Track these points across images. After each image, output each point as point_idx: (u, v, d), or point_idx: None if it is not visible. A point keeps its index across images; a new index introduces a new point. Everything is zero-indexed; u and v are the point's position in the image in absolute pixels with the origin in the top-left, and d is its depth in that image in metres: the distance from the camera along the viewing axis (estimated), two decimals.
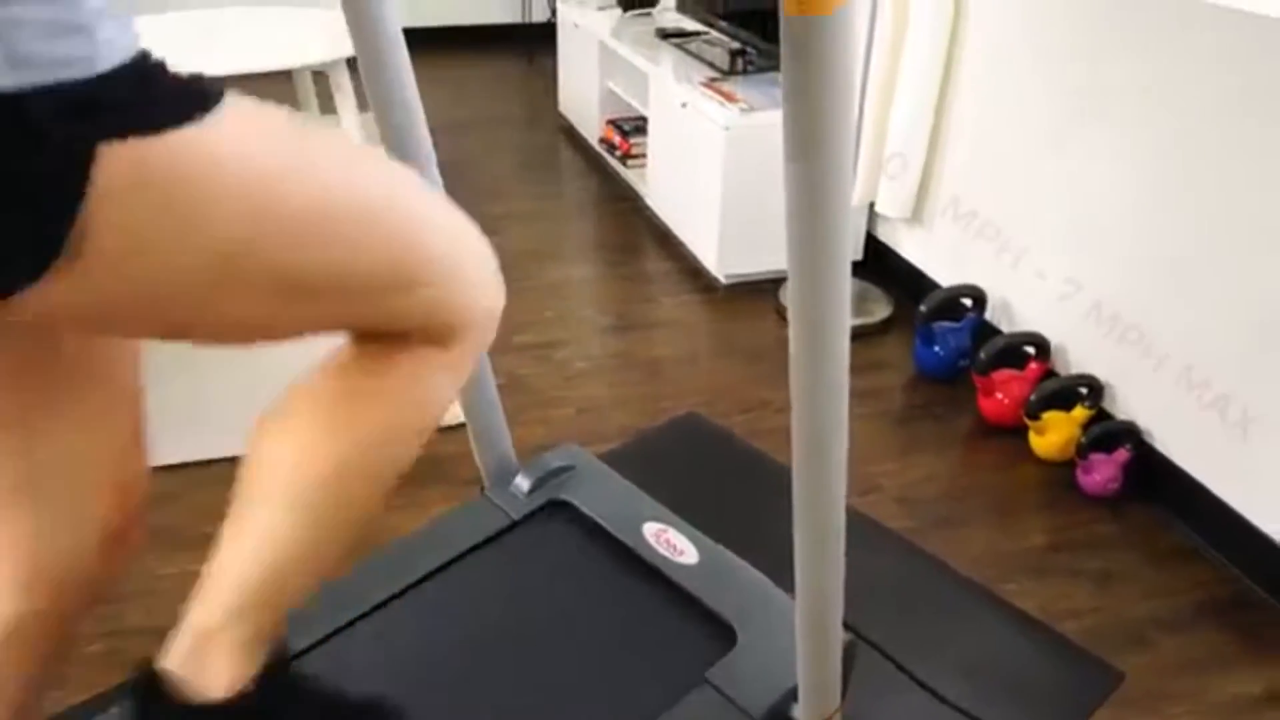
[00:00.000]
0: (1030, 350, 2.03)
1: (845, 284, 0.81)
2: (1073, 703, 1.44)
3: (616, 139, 3.16)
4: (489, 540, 1.40)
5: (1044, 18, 1.95)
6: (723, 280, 2.55)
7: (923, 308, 2.12)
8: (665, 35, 3.04)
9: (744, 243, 2.48)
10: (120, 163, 0.57)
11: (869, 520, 1.74)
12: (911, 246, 2.48)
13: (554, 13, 4.80)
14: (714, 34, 2.91)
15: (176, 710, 0.78)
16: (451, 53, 4.44)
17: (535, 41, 4.81)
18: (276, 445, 0.81)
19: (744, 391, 2.15)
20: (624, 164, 3.12)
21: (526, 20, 4.99)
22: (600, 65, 3.23)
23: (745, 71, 2.63)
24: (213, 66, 2.18)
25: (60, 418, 0.83)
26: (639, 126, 3.08)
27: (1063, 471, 1.90)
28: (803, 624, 1.03)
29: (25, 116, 0.53)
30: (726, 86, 2.51)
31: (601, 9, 3.44)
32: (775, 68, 2.56)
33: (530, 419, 2.02)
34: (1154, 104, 1.73)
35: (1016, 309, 2.14)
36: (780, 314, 2.43)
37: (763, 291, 2.53)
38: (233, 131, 0.63)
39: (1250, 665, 1.51)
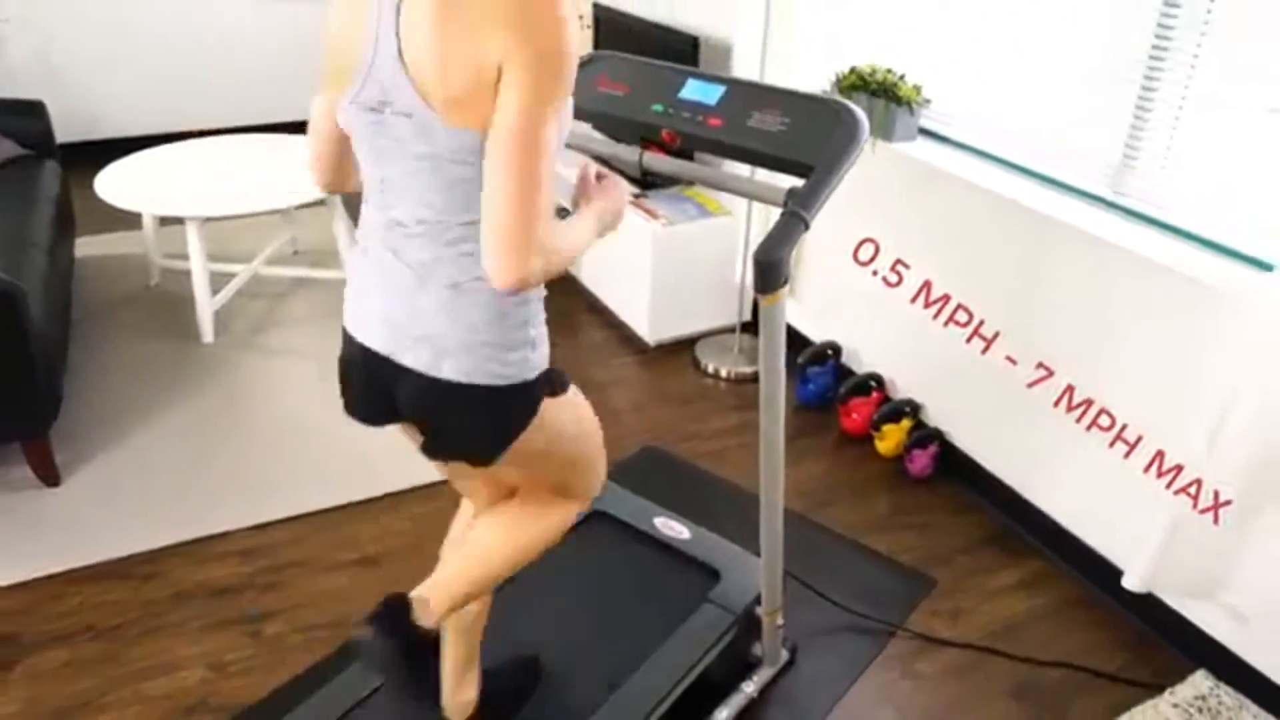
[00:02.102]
0: (873, 384, 3.04)
1: (781, 400, 1.74)
2: (909, 597, 2.43)
3: None
4: None
5: (865, 201, 2.96)
6: (652, 343, 3.49)
7: (800, 359, 3.12)
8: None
9: (667, 314, 3.42)
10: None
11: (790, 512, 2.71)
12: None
13: None
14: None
15: (407, 624, 1.53)
16: None
17: None
18: (488, 528, 1.67)
19: (680, 427, 3.08)
20: None
21: None
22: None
23: (654, 186, 3.56)
24: (248, 204, 3.11)
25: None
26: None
27: (896, 464, 2.91)
28: (765, 563, 1.96)
29: (533, 391, 1.42)
30: (647, 203, 3.45)
31: None
32: (675, 183, 3.50)
33: None
34: (930, 254, 2.76)
35: (862, 356, 3.16)
36: (697, 366, 3.38)
37: (683, 349, 3.48)
38: (559, 402, 1.51)
39: (1010, 569, 2.54)
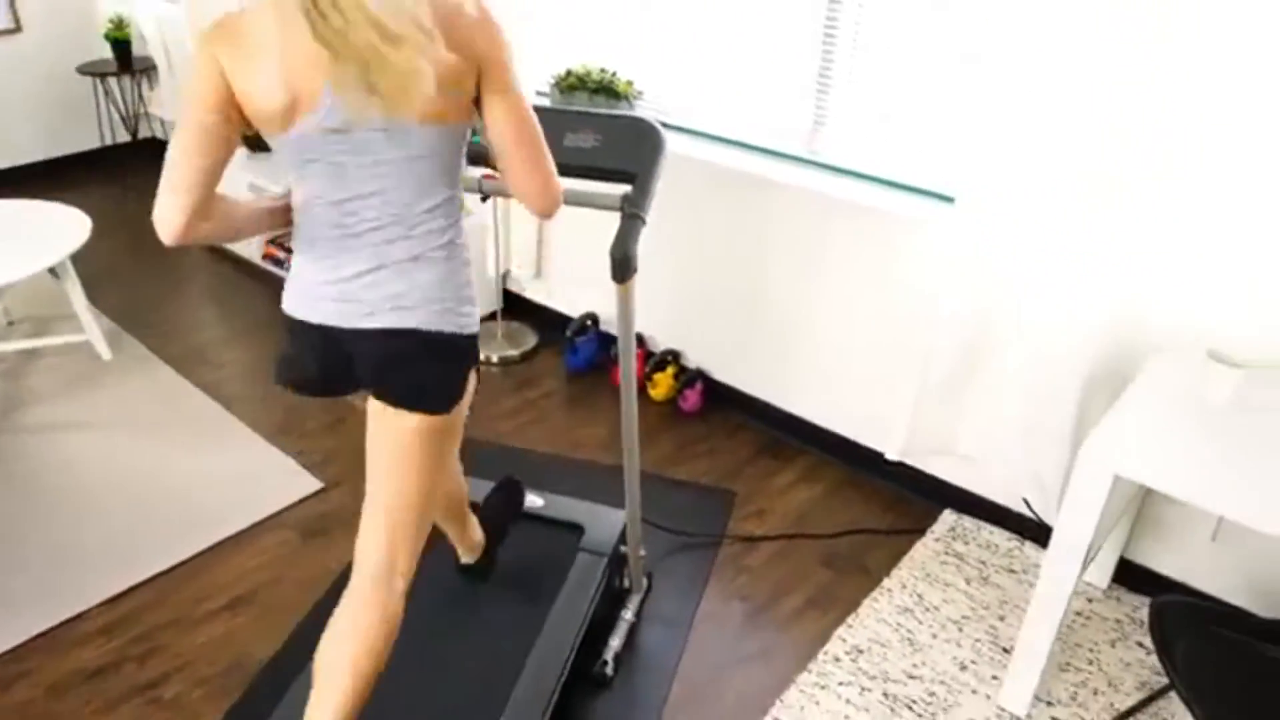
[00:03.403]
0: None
1: (634, 367, 2.10)
2: (720, 511, 2.89)
3: (280, 254, 4.06)
4: None
5: None
6: None
7: (568, 332, 3.48)
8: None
9: None
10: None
11: (596, 465, 3.07)
12: (536, 293, 3.81)
13: (134, 134, 5.32)
14: None
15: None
16: (33, 193, 4.37)
17: (122, 165, 5.22)
18: (349, 660, 1.79)
19: (473, 414, 3.33)
20: None
21: (111, 143, 5.34)
22: (248, 188, 4.06)
23: None
24: None
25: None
26: None
27: (671, 406, 3.37)
28: (628, 506, 2.32)
29: (467, 346, 1.65)
30: None
31: None
32: None
33: None
34: (666, 222, 3.21)
35: (615, 319, 3.56)
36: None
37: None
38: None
39: (787, 469, 3.08)
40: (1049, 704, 2.30)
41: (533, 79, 3.31)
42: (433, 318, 1.60)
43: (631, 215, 1.94)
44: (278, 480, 2.95)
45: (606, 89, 3.19)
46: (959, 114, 2.56)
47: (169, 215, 1.49)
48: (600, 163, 2.02)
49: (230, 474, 2.97)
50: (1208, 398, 2.09)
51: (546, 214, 1.63)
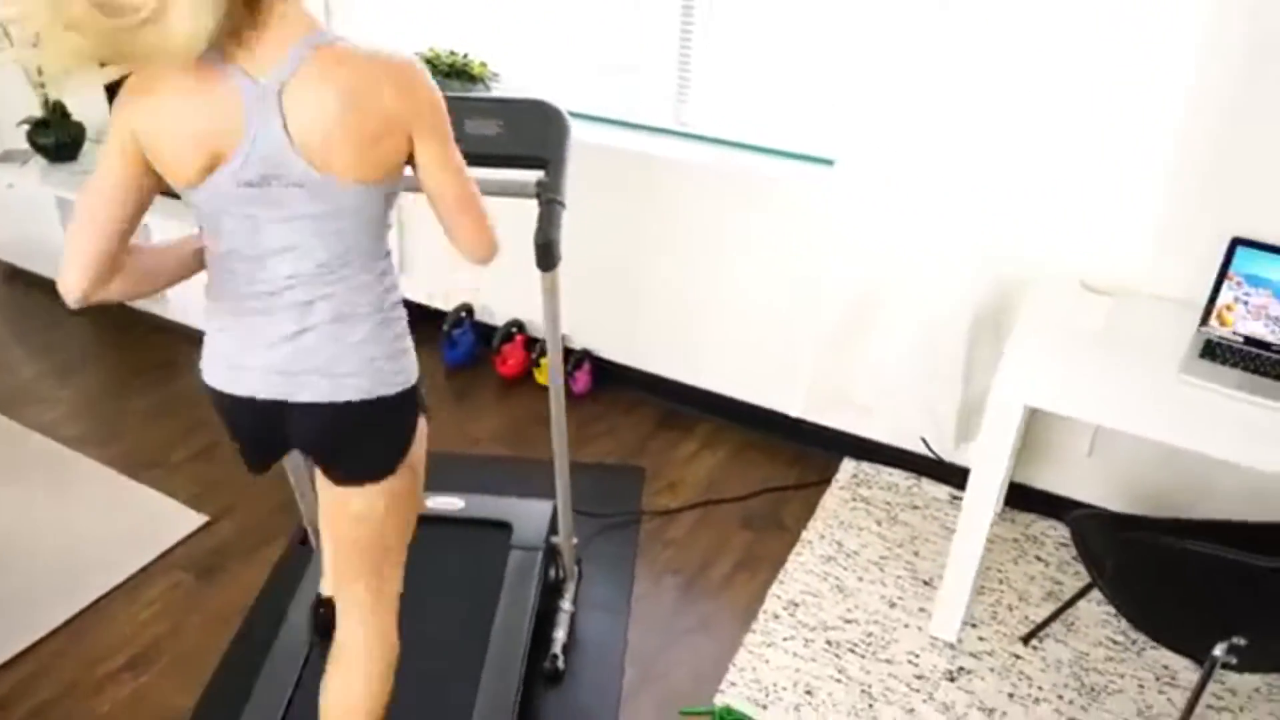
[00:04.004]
0: (514, 329, 3.40)
1: (560, 358, 2.06)
2: (633, 488, 2.90)
3: None
4: None
5: None
6: None
7: (444, 326, 3.37)
8: None
9: None
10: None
11: (499, 458, 3.00)
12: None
13: None
14: None
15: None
16: None
17: None
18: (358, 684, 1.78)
19: None
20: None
21: None
22: (63, 211, 3.69)
23: None
24: None
25: None
26: None
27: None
28: (560, 498, 2.28)
29: (405, 400, 1.56)
30: None
31: (23, 164, 3.82)
32: None
33: None
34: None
35: (494, 309, 3.49)
36: None
37: None
38: (421, 420, 1.67)
39: (689, 439, 3.12)
40: (973, 626, 2.44)
41: None
42: (366, 383, 1.52)
43: (550, 201, 1.90)
44: (154, 520, 2.72)
45: (460, 72, 3.09)
46: (830, 77, 2.63)
47: (71, 277, 1.39)
48: (507, 150, 1.96)
49: (98, 520, 2.72)
50: (1085, 324, 2.25)
51: (491, 256, 1.55)
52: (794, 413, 2.94)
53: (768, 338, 2.97)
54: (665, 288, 3.09)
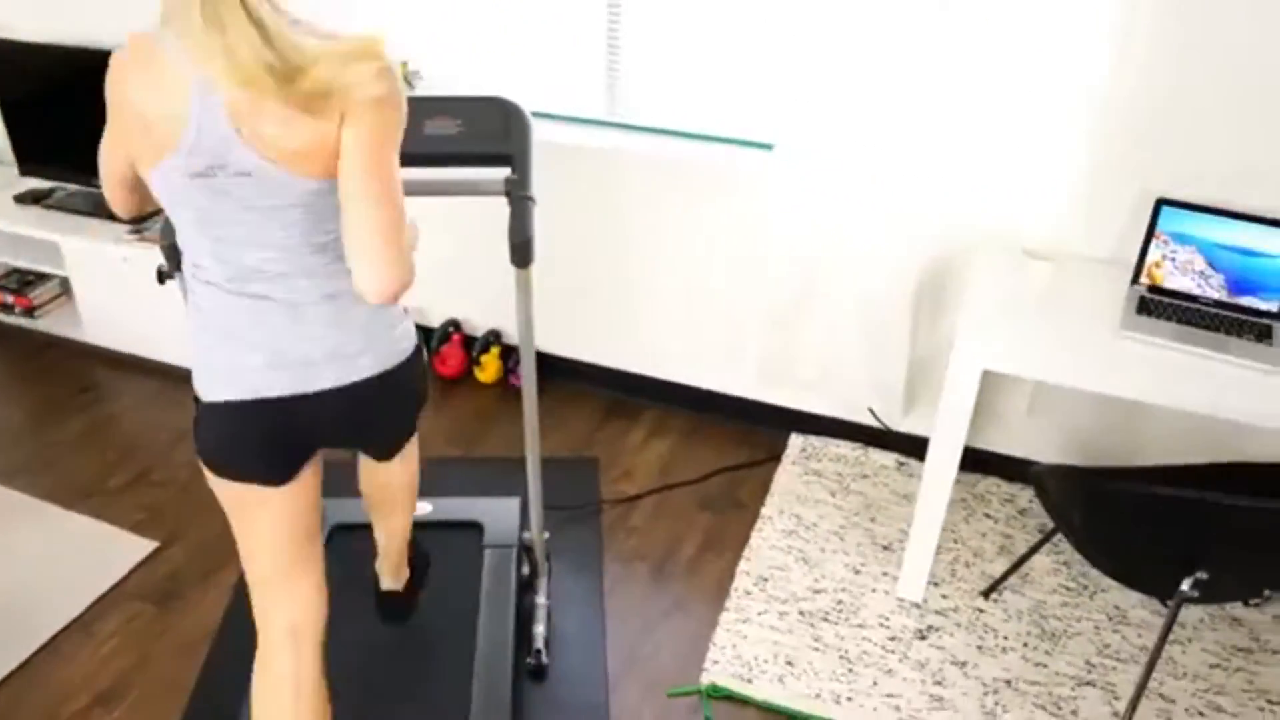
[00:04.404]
0: (451, 329, 3.36)
1: (533, 355, 2.06)
2: (590, 479, 2.91)
3: (8, 299, 3.54)
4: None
5: None
6: None
7: None
8: (23, 200, 3.48)
9: None
10: None
11: (454, 459, 2.97)
12: None
13: None
14: (73, 187, 3.48)
15: (396, 598, 1.91)
16: None
17: None
18: (397, 487, 1.89)
19: None
20: (33, 316, 3.54)
21: None
22: None
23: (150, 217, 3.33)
24: None
25: None
26: (25, 281, 3.54)
27: (501, 387, 3.32)
28: (532, 495, 2.28)
29: (415, 359, 1.55)
30: (152, 233, 3.24)
31: None
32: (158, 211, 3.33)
33: None
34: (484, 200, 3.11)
35: (430, 311, 3.44)
36: None
37: None
38: None
39: (637, 427, 3.14)
40: (935, 584, 2.54)
41: None
42: (379, 358, 1.52)
43: (521, 198, 1.89)
44: (101, 550, 2.61)
45: None
46: (766, 62, 2.68)
47: (119, 210, 1.57)
48: (470, 149, 1.95)
49: (41, 556, 2.59)
50: (1029, 289, 2.37)
51: (388, 299, 1.39)
52: (742, 393, 3.00)
53: (711, 320, 3.01)
54: (605, 278, 3.10)
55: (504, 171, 1.95)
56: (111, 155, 1.47)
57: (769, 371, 2.93)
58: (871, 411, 2.92)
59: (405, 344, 1.57)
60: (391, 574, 2.13)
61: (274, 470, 1.55)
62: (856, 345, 2.74)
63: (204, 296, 1.46)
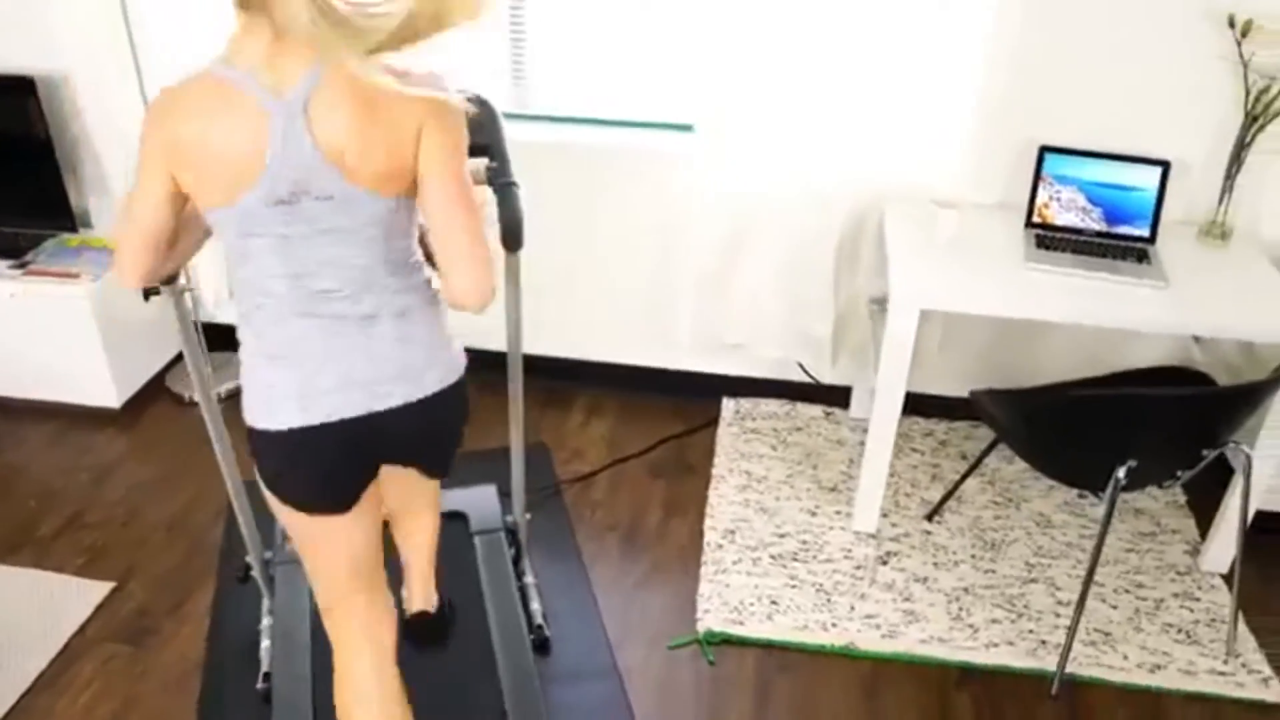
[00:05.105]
0: None
1: (520, 349, 2.14)
2: (547, 464, 2.98)
3: None
4: None
5: None
6: (119, 405, 3.20)
7: None
8: None
9: (126, 366, 3.17)
10: None
11: None
12: (231, 315, 3.48)
13: None
14: None
15: (430, 621, 1.92)
16: None
17: None
18: (423, 525, 1.97)
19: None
20: None
21: None
22: None
23: (34, 246, 3.15)
24: None
25: None
26: None
27: None
28: (514, 478, 2.35)
29: (465, 378, 1.60)
30: (41, 267, 3.07)
31: None
32: (51, 235, 3.16)
33: None
34: None
35: None
36: (182, 402, 3.24)
37: (156, 395, 3.27)
38: None
39: (576, 410, 3.23)
40: (885, 515, 2.77)
41: None
42: (440, 373, 1.57)
43: (506, 184, 1.97)
44: (50, 600, 2.49)
45: None
46: (680, 48, 2.82)
47: (128, 279, 1.49)
48: None
49: None
50: (942, 234, 2.62)
51: (483, 304, 1.47)
52: (671, 365, 3.15)
53: (637, 301, 3.14)
54: (529, 270, 3.16)
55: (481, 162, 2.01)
56: (148, 205, 1.42)
57: (701, 340, 3.09)
58: (801, 366, 3.13)
59: (461, 359, 1.62)
60: (422, 593, 2.15)
61: (343, 496, 1.57)
62: (784, 305, 2.94)
63: (271, 323, 1.47)
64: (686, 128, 2.85)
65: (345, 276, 1.46)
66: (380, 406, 1.51)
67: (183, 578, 2.56)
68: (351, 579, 1.66)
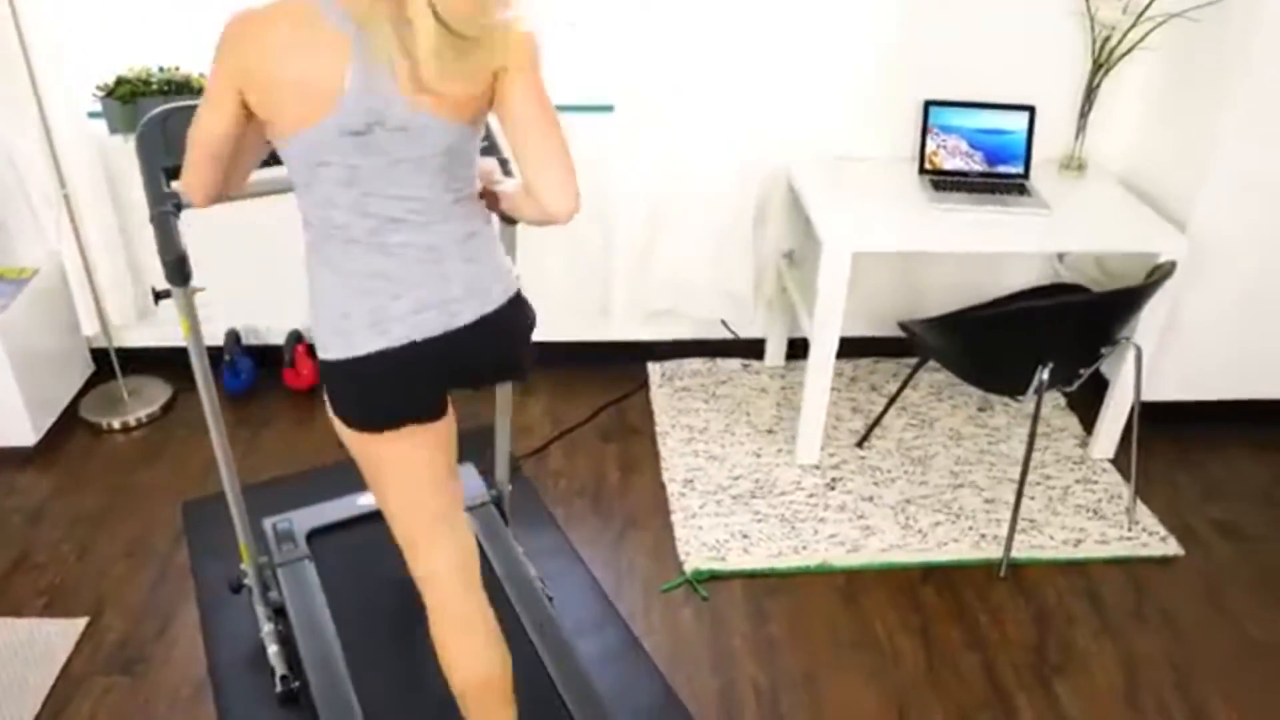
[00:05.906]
0: (295, 341, 3.31)
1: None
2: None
3: None
4: None
5: None
6: (34, 443, 3.04)
7: (226, 356, 3.19)
8: None
9: (40, 401, 3.01)
10: None
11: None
12: (146, 339, 3.34)
13: None
14: None
15: None
16: None
17: None
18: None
19: (160, 479, 2.95)
20: None
21: None
22: None
23: None
24: None
25: None
26: None
27: None
28: (498, 450, 2.45)
29: (525, 300, 1.68)
30: None
31: None
32: None
33: None
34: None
35: (261, 328, 3.35)
36: (100, 431, 3.11)
37: (71, 426, 3.12)
38: None
39: (513, 391, 3.32)
40: (821, 448, 3.03)
41: (77, 99, 2.87)
42: (506, 287, 1.62)
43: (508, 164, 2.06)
44: (21, 646, 2.38)
45: (181, 87, 2.92)
46: (597, 29, 2.95)
47: (197, 199, 1.56)
48: None
49: None
50: (851, 185, 2.89)
51: (575, 213, 1.54)
52: (604, 337, 3.30)
53: (568, 280, 3.26)
54: None
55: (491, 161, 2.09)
56: (214, 124, 1.44)
57: (632, 310, 3.25)
58: (724, 323, 3.34)
59: (517, 273, 1.68)
60: None
61: (427, 406, 1.60)
62: (707, 268, 3.14)
63: (340, 254, 1.50)
64: (607, 108, 2.99)
65: (413, 205, 1.49)
66: (454, 325, 1.56)
67: (158, 601, 2.50)
68: (435, 497, 1.67)
